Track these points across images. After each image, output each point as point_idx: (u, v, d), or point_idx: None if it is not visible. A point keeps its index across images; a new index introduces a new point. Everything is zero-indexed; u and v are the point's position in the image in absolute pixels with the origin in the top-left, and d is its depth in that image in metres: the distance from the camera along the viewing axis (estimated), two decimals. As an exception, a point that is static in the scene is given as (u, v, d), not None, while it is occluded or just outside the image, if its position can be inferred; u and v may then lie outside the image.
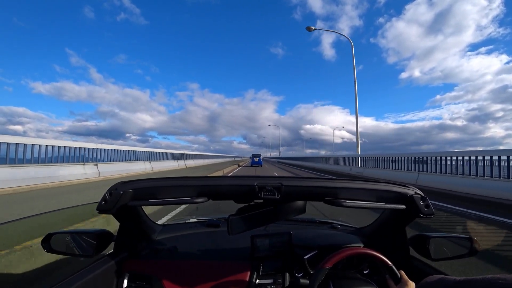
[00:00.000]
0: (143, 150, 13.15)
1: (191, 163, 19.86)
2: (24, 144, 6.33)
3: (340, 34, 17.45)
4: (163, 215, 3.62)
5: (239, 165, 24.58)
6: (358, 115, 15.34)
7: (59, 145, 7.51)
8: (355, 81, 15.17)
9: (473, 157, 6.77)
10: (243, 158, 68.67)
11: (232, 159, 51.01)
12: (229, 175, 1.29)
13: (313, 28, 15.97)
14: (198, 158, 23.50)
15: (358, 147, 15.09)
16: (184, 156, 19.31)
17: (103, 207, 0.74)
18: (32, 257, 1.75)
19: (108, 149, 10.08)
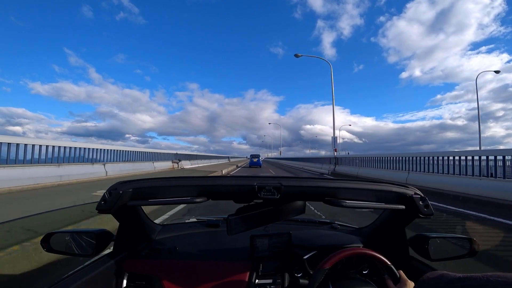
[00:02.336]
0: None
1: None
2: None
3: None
4: (159, 215, 3.62)
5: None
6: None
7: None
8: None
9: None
10: (231, 160, 42.59)
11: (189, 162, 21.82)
12: (229, 175, 1.29)
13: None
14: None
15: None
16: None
17: (102, 207, 0.74)
18: (31, 256, 1.74)
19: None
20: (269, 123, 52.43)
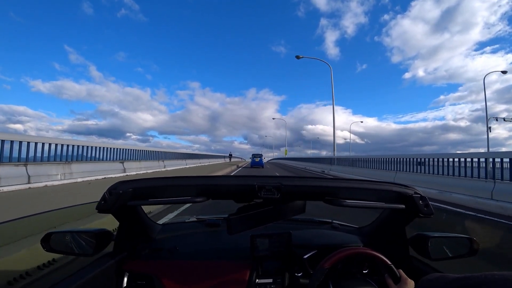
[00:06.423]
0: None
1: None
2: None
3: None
4: (163, 215, 3.62)
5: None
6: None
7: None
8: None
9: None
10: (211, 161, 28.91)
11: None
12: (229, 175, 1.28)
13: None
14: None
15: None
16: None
17: (102, 207, 0.74)
18: (30, 256, 1.74)
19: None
20: (273, 118, 50.35)
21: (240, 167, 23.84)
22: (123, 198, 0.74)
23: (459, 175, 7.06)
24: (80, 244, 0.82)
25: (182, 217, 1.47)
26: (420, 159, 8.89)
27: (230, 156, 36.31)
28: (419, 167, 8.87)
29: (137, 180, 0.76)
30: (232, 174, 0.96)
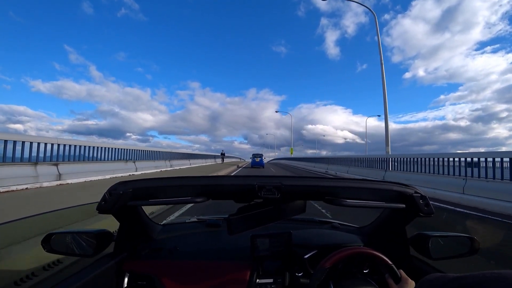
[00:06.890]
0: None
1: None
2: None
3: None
4: (166, 216, 3.62)
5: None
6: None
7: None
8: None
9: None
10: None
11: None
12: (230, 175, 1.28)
13: None
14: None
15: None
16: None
17: (102, 207, 0.74)
18: (31, 257, 1.74)
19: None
20: (276, 111, 46.42)
21: (241, 167, 22.88)
22: (123, 198, 0.74)
23: None
24: (80, 244, 0.82)
25: (183, 217, 1.47)
26: None
27: (223, 155, 28.26)
28: None
29: (137, 181, 0.76)
30: (232, 175, 0.96)
